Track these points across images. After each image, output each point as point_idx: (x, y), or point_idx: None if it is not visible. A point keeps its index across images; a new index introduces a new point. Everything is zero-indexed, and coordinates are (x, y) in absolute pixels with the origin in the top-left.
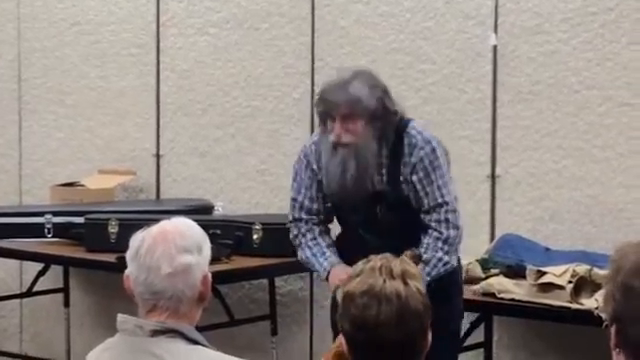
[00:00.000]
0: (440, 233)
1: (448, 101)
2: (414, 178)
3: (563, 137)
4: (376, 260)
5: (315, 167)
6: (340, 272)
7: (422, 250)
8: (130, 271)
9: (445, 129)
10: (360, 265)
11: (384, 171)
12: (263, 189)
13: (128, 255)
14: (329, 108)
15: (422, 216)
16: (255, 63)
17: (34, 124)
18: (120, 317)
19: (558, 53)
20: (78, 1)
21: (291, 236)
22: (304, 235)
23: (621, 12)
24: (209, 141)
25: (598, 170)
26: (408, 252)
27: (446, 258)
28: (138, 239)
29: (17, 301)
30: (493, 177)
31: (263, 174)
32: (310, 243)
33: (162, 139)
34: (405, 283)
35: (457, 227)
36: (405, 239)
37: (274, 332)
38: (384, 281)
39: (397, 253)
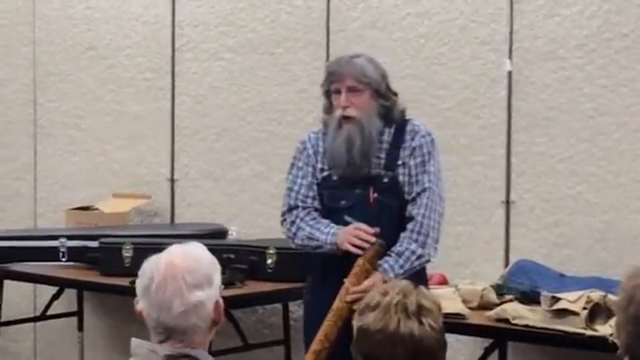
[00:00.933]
0: (416, 222)
1: (463, 127)
2: (411, 162)
3: (578, 163)
4: (393, 294)
5: (311, 152)
6: (349, 231)
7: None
8: (142, 307)
9: (460, 154)
10: (377, 297)
11: (383, 155)
12: (277, 213)
13: (138, 289)
14: (335, 80)
15: (408, 207)
16: (270, 88)
17: (49, 148)
18: (134, 341)
19: (573, 79)
20: (94, 25)
21: (286, 226)
22: (302, 219)
23: (637, 38)
24: (223, 165)
25: (613, 196)
26: (377, 242)
27: (419, 251)
28: (147, 275)
29: (31, 325)
30: (508, 203)
31: (277, 198)
32: (310, 222)
33: (177, 163)
34: (420, 322)
35: (436, 216)
36: (390, 229)
37: (288, 357)
38: (399, 321)
39: (385, 238)
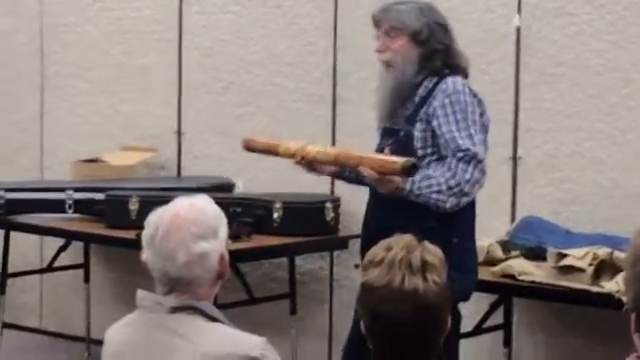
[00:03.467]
0: (451, 169)
1: (471, 82)
2: (434, 123)
3: (585, 119)
4: (397, 249)
5: None
6: None
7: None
8: (146, 257)
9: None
10: (381, 252)
11: (412, 107)
12: (284, 168)
13: (144, 239)
14: (376, 25)
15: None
16: (277, 41)
17: (56, 99)
18: (140, 293)
19: (581, 35)
20: None
21: None
22: None
23: None
24: (231, 119)
25: (620, 153)
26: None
27: (445, 189)
28: (152, 225)
29: (37, 276)
30: (515, 159)
31: None
32: None
33: (184, 116)
34: (424, 278)
35: (474, 174)
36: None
37: (293, 311)
38: (403, 277)
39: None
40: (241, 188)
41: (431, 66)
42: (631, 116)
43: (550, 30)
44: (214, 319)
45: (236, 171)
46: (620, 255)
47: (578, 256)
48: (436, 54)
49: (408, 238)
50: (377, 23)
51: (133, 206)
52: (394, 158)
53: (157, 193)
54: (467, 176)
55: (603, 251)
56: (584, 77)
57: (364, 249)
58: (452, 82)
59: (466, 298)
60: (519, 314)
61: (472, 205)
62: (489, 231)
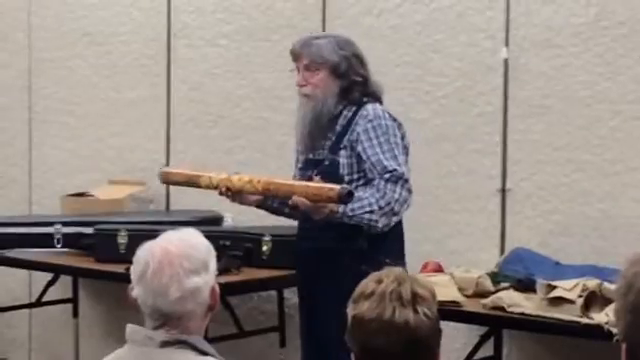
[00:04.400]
0: (379, 189)
1: (459, 114)
2: (359, 148)
3: (574, 151)
4: (387, 282)
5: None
6: None
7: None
8: (137, 293)
9: (455, 142)
10: (371, 285)
11: (334, 137)
12: None
13: (133, 275)
14: (294, 59)
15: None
16: (265, 75)
17: (44, 134)
18: (129, 327)
19: (569, 67)
20: (89, 11)
21: None
22: None
23: (633, 26)
24: (219, 152)
25: (609, 184)
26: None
27: (376, 209)
28: (141, 261)
29: (26, 311)
30: (503, 191)
31: None
32: None
33: (172, 150)
34: (415, 310)
35: (402, 193)
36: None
37: (282, 344)
38: (394, 309)
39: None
40: (230, 221)
41: (350, 97)
42: (619, 148)
43: (538, 62)
44: (205, 353)
45: (225, 204)
46: (609, 287)
47: (567, 288)
48: (355, 85)
49: (398, 271)
50: (297, 57)
51: (122, 240)
52: (329, 185)
53: (146, 227)
54: (396, 195)
55: (593, 282)
56: (572, 109)
57: (296, 275)
58: (372, 109)
59: None
60: (509, 346)
61: (400, 224)
62: (478, 263)
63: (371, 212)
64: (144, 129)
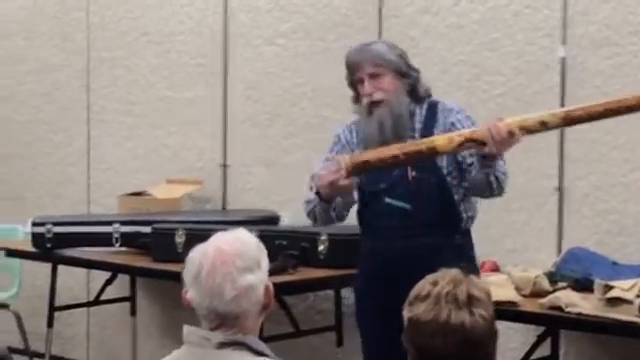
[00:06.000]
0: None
1: (515, 113)
2: (459, 157)
3: (631, 150)
4: (443, 284)
5: (344, 142)
6: (320, 176)
7: None
8: (192, 296)
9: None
10: (427, 287)
11: (417, 134)
12: None
13: (187, 278)
14: (356, 70)
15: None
16: (322, 74)
17: (102, 134)
18: (186, 329)
19: (627, 65)
20: (147, 11)
21: (308, 208)
22: None
23: None
24: (276, 151)
25: None
26: None
27: (504, 175)
28: (195, 263)
29: (84, 309)
30: (561, 189)
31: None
32: None
33: (229, 149)
34: (471, 312)
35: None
36: (429, 205)
37: (340, 343)
38: (449, 311)
39: (428, 216)
40: (287, 221)
41: (416, 94)
42: None
43: (596, 61)
44: (261, 353)
45: (281, 204)
46: None
47: (625, 288)
48: (417, 82)
49: (454, 272)
50: (357, 67)
51: (179, 239)
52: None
53: (203, 226)
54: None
55: None
56: None
57: (368, 275)
58: (451, 102)
59: None
60: (566, 346)
61: None
62: (536, 262)
63: (505, 174)
64: (201, 128)
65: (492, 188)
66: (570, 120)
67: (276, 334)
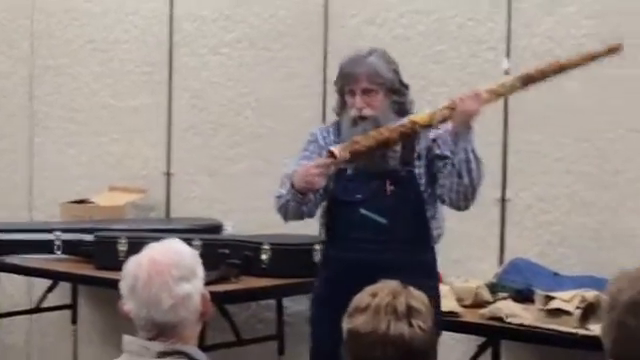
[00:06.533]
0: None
1: None
2: (437, 152)
3: (574, 162)
4: (382, 295)
5: (322, 143)
6: (301, 172)
7: None
8: (129, 307)
9: None
10: (366, 298)
11: (399, 148)
12: (273, 209)
13: (124, 289)
14: (349, 82)
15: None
16: (267, 83)
17: (46, 141)
18: (126, 338)
19: (570, 78)
20: (92, 19)
21: (280, 203)
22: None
23: (632, 39)
24: (220, 160)
25: (608, 195)
26: None
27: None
28: (131, 275)
29: (25, 317)
30: (503, 200)
31: (273, 194)
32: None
33: (173, 158)
34: (410, 324)
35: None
36: (406, 221)
37: (281, 352)
38: (388, 323)
39: (403, 232)
40: (230, 229)
41: (402, 108)
42: (619, 159)
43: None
44: None
45: (225, 212)
46: None
47: (566, 299)
48: (406, 98)
49: (393, 284)
50: (352, 79)
51: (122, 247)
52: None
53: (146, 234)
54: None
55: (591, 294)
56: (572, 120)
57: (325, 286)
58: None
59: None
60: (507, 356)
61: None
62: (477, 273)
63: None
64: (145, 136)
65: (470, 169)
66: (528, 79)
67: (218, 343)
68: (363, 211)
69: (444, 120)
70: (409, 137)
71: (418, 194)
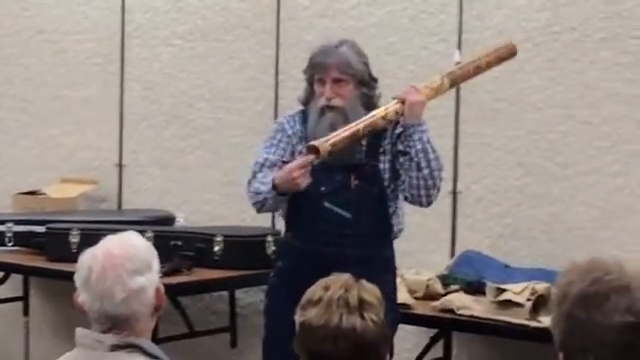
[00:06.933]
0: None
1: None
2: (400, 148)
3: (524, 155)
4: (334, 288)
5: (290, 133)
6: (281, 173)
7: None
8: (83, 299)
9: None
10: (319, 291)
11: (364, 142)
12: (225, 201)
13: (78, 281)
14: (320, 71)
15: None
16: (219, 75)
17: None
18: (79, 331)
19: (521, 71)
20: (43, 10)
21: (248, 193)
22: (257, 179)
23: (584, 31)
24: (172, 152)
25: (559, 188)
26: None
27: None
28: (85, 267)
29: None
30: (454, 193)
31: (226, 186)
32: (261, 179)
33: (125, 149)
34: (362, 317)
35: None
36: (369, 215)
37: (234, 344)
38: (341, 316)
39: (365, 227)
40: (182, 221)
41: (370, 102)
42: (569, 152)
43: None
44: (154, 356)
45: (177, 204)
46: None
47: (516, 291)
48: (374, 92)
49: (346, 277)
50: (322, 69)
51: (74, 239)
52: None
53: (98, 226)
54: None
55: (541, 286)
56: (523, 113)
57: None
58: None
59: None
60: (459, 348)
61: None
62: (429, 265)
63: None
64: (97, 128)
65: (429, 159)
66: (459, 78)
67: (170, 335)
68: (327, 204)
69: (397, 114)
70: (374, 131)
71: (382, 189)
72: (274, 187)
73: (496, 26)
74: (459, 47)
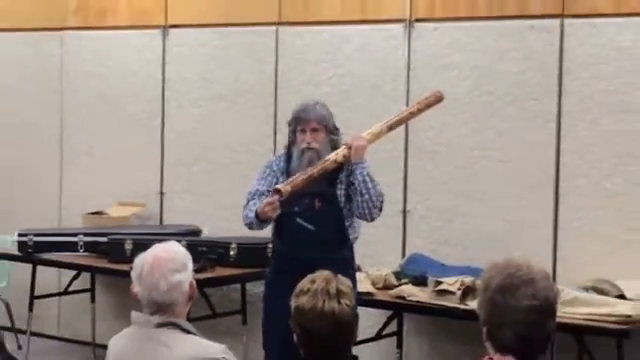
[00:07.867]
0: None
1: (373, 155)
2: (351, 179)
3: (456, 184)
4: (319, 281)
5: (275, 169)
6: (261, 205)
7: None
8: (137, 290)
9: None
10: (307, 284)
11: (327, 175)
12: (237, 219)
13: (133, 277)
14: (302, 123)
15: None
16: (233, 127)
17: (72, 170)
18: (134, 313)
19: (453, 123)
20: (104, 79)
21: (243, 215)
22: (248, 207)
23: (498, 94)
24: (199, 183)
25: (480, 209)
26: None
27: (377, 185)
28: (138, 266)
29: (56, 298)
30: (404, 212)
31: (237, 207)
32: (251, 207)
33: (165, 181)
34: (339, 302)
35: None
36: (332, 226)
37: (244, 322)
38: (324, 302)
39: (326, 236)
40: (207, 233)
41: (335, 145)
42: (488, 182)
43: (429, 119)
44: (188, 331)
45: (203, 221)
46: (480, 282)
47: (450, 283)
48: (336, 136)
49: (326, 273)
50: (307, 122)
51: (128, 246)
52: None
53: (146, 237)
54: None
55: (468, 279)
56: (455, 153)
57: (294, 279)
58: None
59: None
60: (408, 325)
61: None
62: (386, 264)
63: (374, 184)
64: (145, 166)
65: (368, 188)
66: (396, 123)
67: (199, 316)
68: (299, 220)
69: (345, 157)
70: (326, 173)
71: (339, 210)
72: (256, 215)
73: (434, 89)
74: (407, 104)
